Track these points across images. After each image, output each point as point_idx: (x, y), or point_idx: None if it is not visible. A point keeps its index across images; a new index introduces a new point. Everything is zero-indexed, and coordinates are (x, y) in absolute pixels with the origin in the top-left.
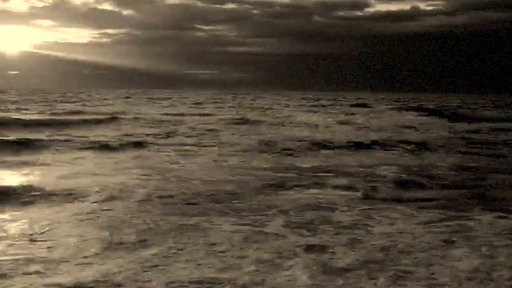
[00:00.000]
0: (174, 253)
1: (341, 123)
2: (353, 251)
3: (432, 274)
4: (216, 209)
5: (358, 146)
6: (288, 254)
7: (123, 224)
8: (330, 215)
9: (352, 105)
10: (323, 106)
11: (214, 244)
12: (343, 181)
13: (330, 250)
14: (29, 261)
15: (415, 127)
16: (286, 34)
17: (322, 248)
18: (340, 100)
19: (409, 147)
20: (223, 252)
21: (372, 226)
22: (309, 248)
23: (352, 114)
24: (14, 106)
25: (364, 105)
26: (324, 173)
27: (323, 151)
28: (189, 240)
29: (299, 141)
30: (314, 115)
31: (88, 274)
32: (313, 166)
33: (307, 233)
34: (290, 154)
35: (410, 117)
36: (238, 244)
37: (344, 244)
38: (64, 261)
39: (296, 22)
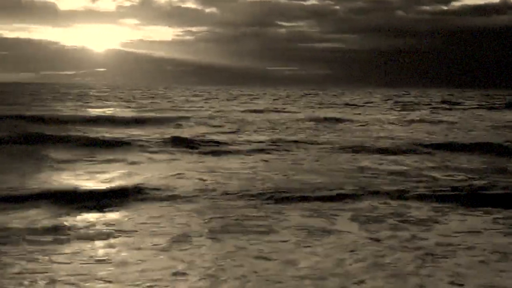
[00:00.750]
0: (241, 247)
1: (432, 121)
2: (409, 247)
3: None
4: (291, 204)
5: (454, 147)
6: (345, 248)
7: (203, 220)
8: (403, 211)
9: (441, 102)
10: (409, 103)
11: (282, 241)
12: (425, 179)
13: (385, 245)
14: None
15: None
16: (369, 30)
17: (379, 242)
18: (427, 97)
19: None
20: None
21: (444, 223)
22: (368, 243)
23: (434, 111)
24: (102, 103)
25: (453, 103)
26: (410, 174)
27: (410, 152)
28: (258, 236)
29: (388, 141)
30: (399, 113)
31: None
32: (397, 167)
33: (372, 229)
34: (377, 153)
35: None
36: (303, 237)
37: (404, 239)
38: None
39: (379, 17)
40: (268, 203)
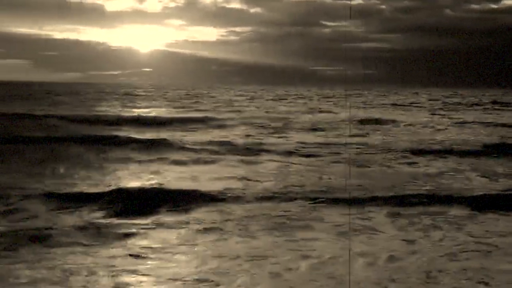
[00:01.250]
0: (278, 245)
1: (481, 122)
2: (441, 246)
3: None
4: (330, 204)
5: (503, 149)
6: (378, 247)
7: (241, 218)
8: (439, 212)
9: (491, 103)
10: (457, 103)
11: (318, 240)
12: (466, 181)
13: (417, 244)
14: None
15: None
16: (415, 29)
17: (411, 242)
18: (475, 97)
19: None
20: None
21: (478, 224)
22: (400, 242)
23: (484, 111)
24: (148, 103)
25: (503, 103)
26: (451, 175)
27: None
28: (294, 234)
29: (434, 142)
30: (447, 114)
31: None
32: (440, 169)
33: (406, 228)
34: (422, 155)
35: None
36: (338, 236)
37: (436, 239)
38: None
39: (426, 17)
40: (307, 203)
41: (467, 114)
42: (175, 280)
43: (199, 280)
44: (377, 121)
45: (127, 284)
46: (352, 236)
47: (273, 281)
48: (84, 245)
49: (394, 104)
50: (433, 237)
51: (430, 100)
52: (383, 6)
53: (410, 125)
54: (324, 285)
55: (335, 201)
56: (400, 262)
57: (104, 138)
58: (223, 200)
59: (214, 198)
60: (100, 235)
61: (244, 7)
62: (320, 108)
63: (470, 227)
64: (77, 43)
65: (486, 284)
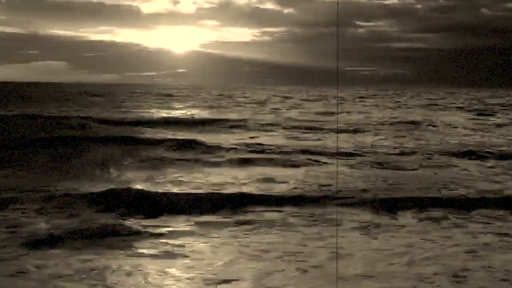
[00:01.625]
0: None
1: None
2: (464, 244)
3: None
4: (360, 204)
5: None
6: (400, 245)
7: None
8: (464, 211)
9: None
10: (496, 104)
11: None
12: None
13: (441, 241)
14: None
15: None
16: (451, 29)
17: (435, 239)
18: None
19: None
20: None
21: (502, 223)
22: (423, 240)
23: None
24: (181, 104)
25: None
26: (480, 178)
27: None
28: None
29: (465, 144)
30: (484, 115)
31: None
32: (470, 171)
33: (430, 227)
34: (455, 157)
35: None
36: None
37: (459, 238)
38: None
39: (462, 16)
40: (339, 202)
41: (506, 115)
42: (207, 278)
43: (229, 280)
44: (413, 122)
45: (160, 282)
46: (377, 235)
47: (301, 277)
48: (121, 243)
49: (430, 105)
50: (459, 236)
51: (467, 100)
52: (419, 6)
53: (448, 125)
54: (347, 283)
55: (362, 201)
56: (425, 260)
57: (139, 139)
58: (256, 200)
59: (248, 198)
60: (133, 235)
61: (278, 7)
62: (354, 109)
63: (498, 225)
64: (113, 45)
65: (507, 280)
